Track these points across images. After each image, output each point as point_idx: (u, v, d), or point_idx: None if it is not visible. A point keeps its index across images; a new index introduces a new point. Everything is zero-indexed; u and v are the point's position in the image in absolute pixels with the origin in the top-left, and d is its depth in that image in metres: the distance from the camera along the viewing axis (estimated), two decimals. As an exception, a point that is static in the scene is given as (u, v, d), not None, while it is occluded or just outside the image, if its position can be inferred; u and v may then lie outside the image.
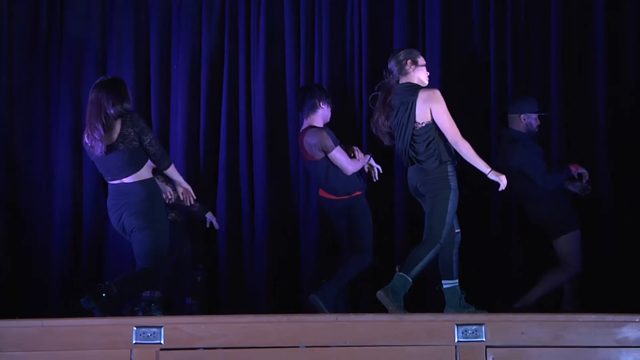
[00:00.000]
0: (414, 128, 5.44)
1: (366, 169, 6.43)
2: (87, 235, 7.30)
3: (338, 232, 6.45)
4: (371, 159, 6.37)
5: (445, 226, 5.38)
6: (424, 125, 5.43)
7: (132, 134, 5.58)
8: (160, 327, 4.62)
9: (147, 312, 6.19)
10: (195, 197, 5.96)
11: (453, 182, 5.42)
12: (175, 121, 7.48)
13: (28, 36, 7.44)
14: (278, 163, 7.34)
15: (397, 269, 5.38)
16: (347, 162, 6.24)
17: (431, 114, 5.42)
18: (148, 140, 5.63)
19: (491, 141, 7.08)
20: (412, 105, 5.43)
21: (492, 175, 5.44)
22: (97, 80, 5.75)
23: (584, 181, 6.50)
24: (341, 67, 7.44)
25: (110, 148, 5.57)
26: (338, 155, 6.24)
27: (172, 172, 5.83)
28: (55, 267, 7.25)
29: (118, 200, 5.73)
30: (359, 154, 6.36)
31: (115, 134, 5.58)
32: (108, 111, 5.55)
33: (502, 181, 5.44)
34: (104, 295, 5.40)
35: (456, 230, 5.57)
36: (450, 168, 5.43)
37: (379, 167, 6.39)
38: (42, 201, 7.31)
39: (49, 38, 7.49)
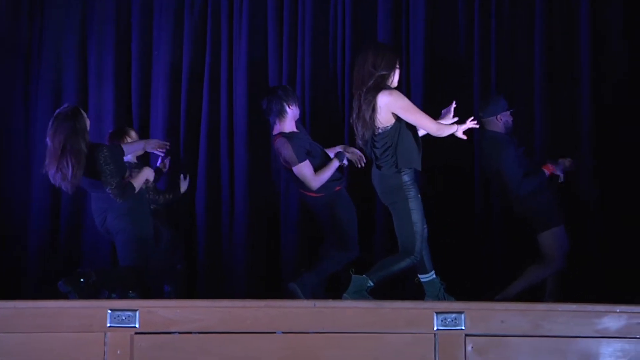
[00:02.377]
0: (373, 132, 5.34)
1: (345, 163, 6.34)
2: (64, 220, 7.28)
3: (322, 226, 6.38)
4: (345, 160, 6.25)
5: (415, 237, 5.31)
6: (381, 130, 5.32)
7: (96, 168, 5.67)
8: (135, 310, 4.58)
9: (123, 298, 6.16)
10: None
11: (411, 191, 5.31)
12: (156, 112, 7.44)
13: (8, 34, 7.42)
14: (259, 154, 7.28)
15: (351, 271, 5.35)
16: (310, 178, 6.10)
17: (395, 116, 5.30)
18: (104, 178, 5.67)
19: (474, 141, 7.02)
20: (373, 108, 5.30)
21: (461, 129, 5.39)
22: (56, 113, 5.78)
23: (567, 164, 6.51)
24: (324, 61, 7.39)
25: (81, 180, 5.69)
26: (301, 170, 6.11)
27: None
28: (32, 251, 7.23)
29: (102, 203, 5.79)
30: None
31: (82, 169, 5.65)
32: (74, 148, 5.61)
33: (468, 124, 5.42)
34: (81, 280, 5.45)
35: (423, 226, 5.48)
36: (406, 178, 5.31)
37: (362, 157, 6.27)
38: (20, 185, 7.28)
39: (30, 33, 7.47)
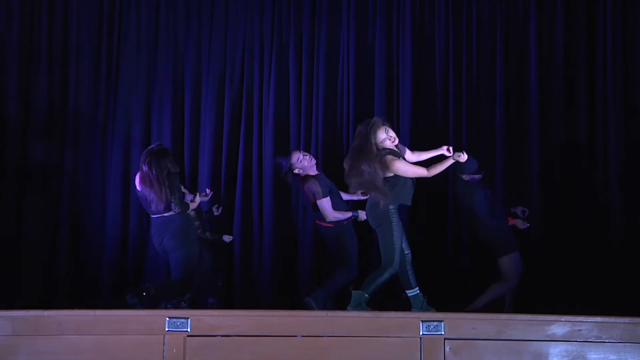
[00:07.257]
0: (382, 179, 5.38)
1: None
2: (132, 247, 7.25)
3: (330, 251, 6.40)
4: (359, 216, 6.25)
5: (395, 252, 5.35)
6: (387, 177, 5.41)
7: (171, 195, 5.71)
8: (187, 318, 4.65)
9: (178, 308, 6.17)
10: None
11: (394, 218, 5.38)
12: (203, 161, 7.42)
13: (90, 93, 7.44)
14: (282, 196, 7.28)
15: (350, 288, 5.40)
16: (329, 212, 6.15)
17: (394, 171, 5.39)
18: (172, 190, 5.70)
19: (448, 186, 7.06)
20: (383, 169, 5.38)
21: (457, 157, 5.41)
22: (148, 148, 5.85)
23: (524, 218, 6.57)
24: (332, 119, 7.42)
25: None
26: (323, 204, 6.15)
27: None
28: (106, 271, 7.20)
29: (160, 227, 5.79)
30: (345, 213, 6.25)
31: (167, 187, 5.70)
32: (160, 178, 5.67)
33: (462, 157, 5.40)
34: (144, 294, 5.43)
35: (406, 252, 5.49)
36: (392, 208, 5.39)
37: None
38: (97, 220, 7.27)
39: (107, 94, 7.45)
